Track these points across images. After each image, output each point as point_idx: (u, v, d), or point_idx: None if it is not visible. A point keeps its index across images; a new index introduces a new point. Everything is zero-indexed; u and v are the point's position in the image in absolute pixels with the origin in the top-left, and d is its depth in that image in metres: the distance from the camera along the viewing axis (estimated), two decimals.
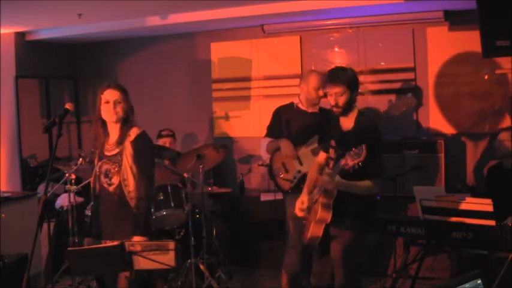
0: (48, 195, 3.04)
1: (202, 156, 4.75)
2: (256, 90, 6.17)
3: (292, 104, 4.52)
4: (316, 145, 4.24)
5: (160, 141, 5.31)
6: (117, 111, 3.24)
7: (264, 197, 5.47)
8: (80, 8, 5.13)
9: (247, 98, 6.23)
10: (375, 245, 4.99)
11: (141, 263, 2.91)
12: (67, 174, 4.90)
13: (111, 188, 3.27)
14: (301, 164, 4.32)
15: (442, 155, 5.04)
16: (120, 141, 3.27)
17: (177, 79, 6.56)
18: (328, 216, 3.24)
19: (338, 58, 5.83)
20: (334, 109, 3.36)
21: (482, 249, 3.59)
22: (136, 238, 3.12)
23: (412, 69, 5.52)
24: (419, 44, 5.48)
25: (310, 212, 3.43)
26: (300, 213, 3.49)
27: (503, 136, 4.35)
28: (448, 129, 5.41)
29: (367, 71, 5.67)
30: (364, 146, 2.95)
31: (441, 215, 3.76)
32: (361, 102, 5.66)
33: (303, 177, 4.21)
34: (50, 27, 6.18)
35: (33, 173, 6.37)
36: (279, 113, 4.55)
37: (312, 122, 4.35)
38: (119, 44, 6.83)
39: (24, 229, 4.55)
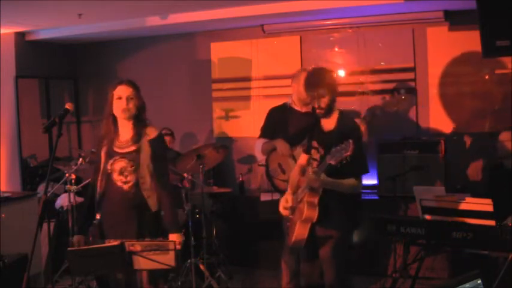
0: (48, 195, 3.04)
1: (202, 156, 4.75)
2: (256, 90, 6.17)
3: (285, 104, 4.50)
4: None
5: None
6: (130, 107, 3.21)
7: (264, 197, 5.47)
8: (80, 8, 5.13)
9: (247, 98, 6.23)
10: (370, 245, 5.00)
11: (141, 263, 2.91)
12: (67, 174, 4.90)
13: (126, 186, 3.20)
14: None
15: (442, 155, 5.04)
16: (137, 139, 3.22)
17: (177, 79, 6.56)
18: (314, 215, 3.25)
19: (338, 58, 5.83)
20: (317, 110, 3.39)
21: (482, 249, 3.59)
22: (173, 236, 3.18)
23: (412, 69, 5.52)
24: (419, 44, 5.49)
25: (294, 212, 3.44)
26: (284, 212, 3.50)
27: (504, 136, 4.34)
28: (448, 129, 5.41)
29: (367, 71, 5.67)
30: (351, 141, 2.98)
31: (441, 215, 3.76)
32: (361, 102, 5.68)
33: None
34: (50, 27, 6.19)
35: (33, 173, 6.38)
36: (272, 114, 4.54)
37: (306, 121, 4.34)
38: (119, 44, 6.83)
39: (24, 229, 4.55)
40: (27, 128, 6.38)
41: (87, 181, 5.13)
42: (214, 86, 6.39)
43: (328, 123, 3.43)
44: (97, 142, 3.36)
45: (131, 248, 2.90)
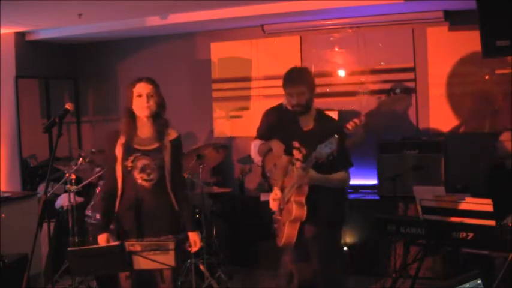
0: (48, 195, 3.03)
1: (202, 156, 4.75)
2: (256, 90, 6.17)
3: (281, 105, 4.49)
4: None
5: None
6: (150, 104, 3.18)
7: (264, 197, 5.45)
8: (80, 8, 5.13)
9: (247, 98, 6.23)
10: (370, 245, 5.00)
11: (141, 263, 2.91)
12: (67, 174, 4.90)
13: (148, 184, 3.17)
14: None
15: (442, 155, 5.04)
16: (160, 138, 3.22)
17: (177, 79, 6.56)
18: (303, 213, 3.24)
19: (338, 58, 5.83)
20: (296, 108, 3.40)
21: (482, 249, 3.59)
22: (192, 234, 3.24)
23: (412, 69, 5.52)
24: (419, 44, 5.49)
25: (282, 213, 3.44)
26: (273, 204, 3.50)
27: (505, 137, 4.33)
28: (448, 129, 5.41)
29: (367, 71, 5.67)
30: (336, 136, 2.99)
31: (441, 215, 3.76)
32: (361, 102, 5.67)
33: None
34: (50, 27, 6.19)
35: (33, 173, 6.38)
36: (268, 115, 4.53)
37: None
38: (119, 44, 6.83)
39: (24, 229, 4.55)
40: (27, 128, 6.37)
41: (87, 181, 5.15)
42: (214, 86, 6.40)
43: (307, 122, 3.45)
44: (108, 140, 3.27)
45: (131, 248, 2.91)
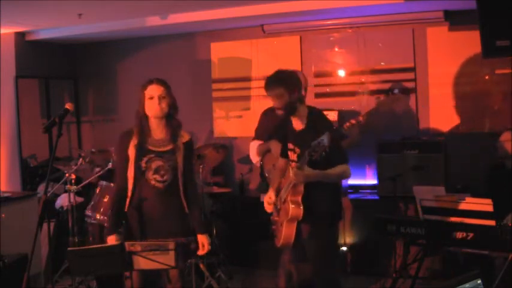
0: (48, 195, 3.03)
1: (202, 156, 4.75)
2: (256, 90, 6.17)
3: None
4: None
5: None
6: (162, 106, 3.19)
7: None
8: (80, 8, 5.13)
9: (247, 98, 6.23)
10: (370, 245, 5.00)
11: (141, 263, 2.91)
12: (67, 174, 4.89)
13: (161, 185, 3.17)
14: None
15: (442, 155, 5.04)
16: (174, 140, 3.22)
17: (177, 79, 6.51)
18: (300, 213, 3.25)
19: (338, 58, 5.83)
20: (278, 111, 3.42)
21: (482, 249, 3.59)
22: (201, 236, 3.27)
23: (412, 69, 5.52)
24: (419, 44, 5.49)
25: (279, 214, 3.45)
26: (268, 208, 3.52)
27: (505, 137, 4.32)
28: (448, 129, 5.41)
29: (367, 71, 5.67)
30: (328, 133, 3.01)
31: (441, 215, 3.76)
32: (361, 102, 5.68)
33: None
34: (50, 27, 6.18)
35: (33, 173, 6.38)
36: (266, 116, 4.53)
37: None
38: (119, 44, 6.83)
39: (24, 229, 4.55)
40: (27, 128, 6.37)
41: (87, 181, 5.14)
42: (214, 86, 6.39)
43: (298, 122, 3.45)
44: (121, 141, 3.28)
45: (131, 248, 2.91)
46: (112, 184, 4.76)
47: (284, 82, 3.36)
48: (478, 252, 3.63)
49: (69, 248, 3.00)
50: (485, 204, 3.56)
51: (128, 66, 6.80)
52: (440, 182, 4.92)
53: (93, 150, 5.22)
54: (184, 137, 3.29)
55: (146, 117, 3.24)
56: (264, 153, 4.44)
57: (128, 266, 2.93)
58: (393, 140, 5.29)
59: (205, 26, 6.11)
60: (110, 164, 4.85)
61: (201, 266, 4.68)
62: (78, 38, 6.60)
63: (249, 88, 6.21)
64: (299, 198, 3.26)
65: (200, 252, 3.32)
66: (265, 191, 4.59)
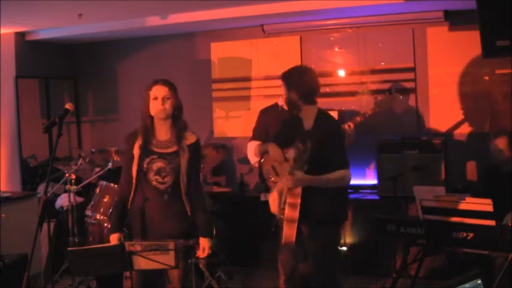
0: (48, 195, 3.03)
1: (202, 156, 4.75)
2: (256, 90, 6.17)
3: (276, 105, 4.48)
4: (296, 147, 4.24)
5: None
6: (166, 107, 3.17)
7: (264, 197, 5.45)
8: (80, 8, 5.13)
9: (247, 98, 6.23)
10: (370, 245, 5.00)
11: (141, 263, 2.91)
12: (67, 174, 4.90)
13: (162, 187, 3.17)
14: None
15: (442, 155, 5.04)
16: (178, 141, 3.20)
17: (177, 79, 6.46)
18: (295, 215, 3.23)
19: (338, 58, 5.83)
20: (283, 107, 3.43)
21: (482, 249, 3.59)
22: (203, 240, 3.22)
23: (412, 69, 5.52)
24: (419, 44, 5.49)
25: (282, 213, 3.43)
26: (273, 209, 3.48)
27: (500, 142, 4.29)
28: (448, 129, 5.41)
29: (367, 71, 5.67)
30: (308, 144, 3.06)
31: (441, 215, 3.76)
32: (361, 102, 5.67)
33: None
34: (50, 27, 6.18)
35: (33, 173, 6.37)
36: (264, 115, 4.52)
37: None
38: (119, 44, 6.83)
39: (24, 229, 4.55)
40: (27, 128, 6.37)
41: (87, 181, 5.15)
42: (214, 86, 6.39)
43: (307, 122, 3.43)
44: (127, 139, 3.28)
45: (131, 248, 2.91)
46: (112, 184, 4.76)
47: (285, 78, 3.38)
48: (478, 252, 3.63)
49: (69, 248, 3.00)
50: (485, 204, 3.56)
51: (128, 66, 6.80)
52: (440, 182, 4.92)
53: (93, 150, 5.22)
54: (190, 139, 3.26)
55: (151, 117, 3.22)
56: (262, 153, 4.43)
57: (128, 266, 2.93)
58: (393, 140, 5.29)
59: (205, 26, 6.11)
60: (110, 164, 4.85)
61: (201, 266, 4.68)
62: (78, 38, 6.60)
63: (249, 88, 6.21)
64: (296, 201, 3.25)
65: (200, 254, 3.30)
66: (264, 191, 4.61)
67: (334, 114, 5.17)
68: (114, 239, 3.21)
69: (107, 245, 3.14)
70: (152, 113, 3.20)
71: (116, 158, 4.88)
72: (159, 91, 3.19)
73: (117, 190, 3.41)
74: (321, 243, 3.35)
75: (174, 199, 3.19)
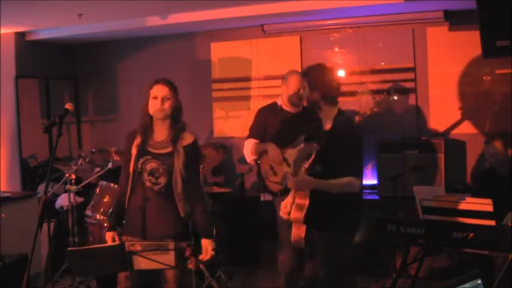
0: (48, 195, 3.03)
1: (202, 156, 4.75)
2: (256, 90, 6.17)
3: (275, 104, 4.48)
4: (302, 146, 4.23)
5: None
6: (165, 107, 3.15)
7: (264, 197, 5.46)
8: (80, 8, 5.13)
9: (247, 98, 6.23)
10: (370, 245, 4.99)
11: (141, 263, 2.91)
12: (67, 174, 4.89)
13: (155, 188, 3.15)
14: (289, 166, 4.26)
15: (442, 155, 5.04)
16: (173, 142, 3.17)
17: (177, 79, 6.46)
18: (301, 217, 3.15)
19: (338, 58, 5.83)
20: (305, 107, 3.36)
21: (482, 249, 3.59)
22: (204, 241, 3.17)
23: (412, 69, 5.52)
24: (419, 44, 5.49)
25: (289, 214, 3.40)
26: (284, 216, 3.36)
27: (495, 145, 4.28)
28: (448, 129, 5.41)
29: (367, 71, 5.67)
30: (315, 145, 3.01)
31: (441, 215, 3.76)
32: (361, 102, 5.67)
33: None
34: (50, 27, 6.19)
35: (33, 173, 6.37)
36: (262, 114, 4.52)
37: (298, 122, 4.33)
38: (119, 44, 6.83)
39: (24, 229, 4.55)
40: (27, 128, 6.37)
41: (87, 181, 5.14)
42: (214, 86, 6.39)
43: (327, 122, 3.34)
44: (127, 138, 3.28)
45: (131, 248, 2.91)
46: (112, 184, 4.76)
47: (308, 77, 3.27)
48: (478, 252, 3.63)
49: (69, 248, 3.00)
50: (485, 204, 3.55)
51: (128, 66, 6.80)
52: (440, 182, 4.92)
53: (93, 150, 5.22)
54: (186, 140, 3.22)
55: (150, 117, 3.21)
56: (260, 153, 4.42)
57: (128, 266, 2.93)
58: (393, 140, 5.30)
59: (205, 26, 6.11)
60: (110, 164, 4.85)
61: (201, 266, 4.67)
62: (78, 38, 6.60)
63: (249, 88, 6.21)
64: (304, 202, 3.17)
65: (203, 257, 3.24)
66: (262, 191, 4.62)
67: None
68: (109, 236, 3.22)
69: (107, 245, 3.14)
70: (151, 112, 3.18)
71: (116, 158, 4.88)
72: (159, 91, 3.17)
73: (115, 189, 3.40)
74: (330, 248, 3.28)
75: (167, 200, 3.17)
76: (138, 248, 2.91)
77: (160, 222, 3.16)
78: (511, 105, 5.04)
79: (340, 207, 3.21)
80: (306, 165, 3.17)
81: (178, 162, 3.15)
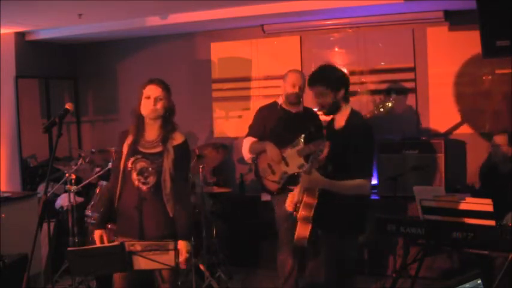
0: (48, 195, 3.03)
1: (202, 156, 4.76)
2: (256, 90, 6.17)
3: (275, 103, 4.49)
4: (301, 146, 4.24)
5: None
6: (157, 108, 3.15)
7: (264, 197, 5.47)
8: (80, 8, 5.13)
9: (247, 98, 6.23)
10: (370, 245, 5.00)
11: (141, 263, 2.91)
12: (67, 174, 4.90)
13: (144, 187, 3.15)
14: (287, 165, 4.28)
15: (442, 155, 5.04)
16: (163, 142, 3.17)
17: (177, 79, 6.53)
18: (309, 215, 3.12)
19: (338, 58, 5.83)
20: (320, 109, 3.28)
21: (482, 249, 3.59)
22: (180, 243, 3.09)
23: (412, 69, 5.52)
24: (419, 44, 5.49)
25: (298, 211, 3.38)
26: (289, 207, 3.34)
27: (500, 140, 4.29)
28: (448, 129, 5.41)
29: (367, 71, 5.67)
30: (327, 143, 2.98)
31: (441, 215, 3.76)
32: (361, 102, 5.67)
33: (289, 179, 4.20)
34: (50, 27, 6.18)
35: (33, 173, 6.37)
36: (262, 113, 4.52)
37: (297, 122, 4.33)
38: (119, 44, 6.83)
39: (24, 229, 4.55)
40: (27, 128, 6.37)
41: (87, 181, 5.15)
42: (214, 86, 6.39)
43: (339, 121, 3.29)
44: (119, 137, 3.29)
45: (131, 248, 2.91)
46: None
47: (327, 80, 3.18)
48: (478, 252, 3.63)
49: (69, 248, 3.00)
50: (485, 204, 3.56)
51: (128, 66, 6.80)
52: (441, 182, 4.92)
53: (93, 150, 5.22)
54: (176, 140, 3.22)
55: (142, 117, 3.21)
56: (258, 152, 4.43)
57: (128, 266, 2.93)
58: (393, 140, 5.30)
59: (205, 26, 6.11)
60: (110, 164, 4.84)
61: (201, 266, 4.68)
62: (78, 38, 6.60)
63: (249, 88, 6.21)
64: (313, 201, 3.13)
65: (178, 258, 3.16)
66: (261, 189, 4.62)
67: None
68: (97, 235, 3.21)
69: (107, 245, 3.13)
70: (143, 112, 3.19)
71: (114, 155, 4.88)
72: (152, 91, 3.17)
73: (107, 186, 3.39)
74: (334, 249, 3.24)
75: (155, 200, 3.16)
76: (138, 248, 2.91)
77: (150, 223, 3.15)
78: (511, 105, 5.05)
79: (349, 209, 3.17)
80: (316, 164, 3.14)
81: (168, 162, 3.16)
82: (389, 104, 3.82)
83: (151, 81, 3.22)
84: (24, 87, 6.41)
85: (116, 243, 2.96)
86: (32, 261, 3.03)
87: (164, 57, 6.59)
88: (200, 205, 4.87)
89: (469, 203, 3.66)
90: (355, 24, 5.70)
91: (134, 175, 3.16)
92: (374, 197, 5.34)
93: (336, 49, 5.84)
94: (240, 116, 6.27)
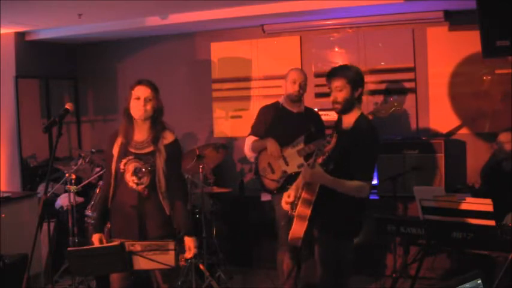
0: (48, 195, 3.04)
1: (202, 156, 4.76)
2: (256, 90, 6.17)
3: (278, 103, 4.49)
4: (302, 146, 4.25)
5: None
6: (147, 108, 3.17)
7: (264, 197, 5.47)
8: (80, 8, 5.13)
9: (247, 98, 6.23)
10: (370, 245, 4.99)
11: (141, 263, 2.92)
12: (67, 174, 4.90)
13: (139, 187, 3.17)
14: (287, 164, 4.29)
15: (442, 155, 5.04)
16: (154, 141, 3.19)
17: (177, 79, 6.56)
18: (307, 212, 3.05)
19: (338, 58, 5.83)
20: (334, 105, 3.21)
21: (482, 249, 3.59)
22: (188, 239, 3.16)
23: (412, 69, 5.52)
24: (419, 44, 5.49)
25: (295, 209, 3.34)
26: (285, 206, 3.30)
27: (503, 137, 4.31)
28: (448, 129, 5.41)
29: (367, 71, 5.67)
30: (335, 135, 2.97)
31: (441, 215, 3.76)
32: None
33: (288, 178, 4.21)
34: (50, 27, 6.18)
35: (33, 173, 6.37)
36: (264, 112, 4.53)
37: (298, 122, 4.33)
38: (118, 44, 6.83)
39: (24, 229, 4.55)
40: (27, 128, 6.37)
41: (87, 181, 5.15)
42: (214, 86, 6.39)
43: (348, 121, 3.25)
44: (109, 139, 3.32)
45: (131, 248, 2.91)
46: None
47: (347, 75, 3.13)
48: (478, 252, 3.63)
49: (69, 248, 3.00)
50: (485, 204, 3.56)
51: (127, 66, 6.80)
52: (441, 182, 4.92)
53: (93, 150, 5.22)
54: (167, 139, 3.24)
55: (131, 117, 3.23)
56: (259, 150, 4.44)
57: (128, 266, 2.93)
58: (393, 140, 5.29)
59: (205, 26, 6.11)
60: None
61: (201, 266, 4.68)
62: (78, 38, 6.60)
63: (249, 88, 6.21)
64: (311, 198, 3.07)
65: (186, 255, 3.23)
66: (260, 188, 4.62)
67: (334, 115, 5.17)
68: (95, 239, 3.23)
69: (107, 245, 3.14)
70: (132, 112, 3.21)
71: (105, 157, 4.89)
72: (141, 91, 3.19)
73: (101, 190, 3.41)
74: (330, 249, 3.22)
75: (151, 200, 3.18)
76: (138, 248, 2.91)
77: (146, 222, 3.17)
78: (511, 105, 5.05)
79: (346, 209, 3.15)
80: (319, 160, 3.13)
81: (161, 161, 3.18)
82: (398, 108, 3.84)
83: (139, 82, 3.24)
84: (24, 87, 6.41)
85: (116, 243, 2.96)
86: (32, 261, 3.04)
87: (164, 57, 6.59)
88: (200, 205, 4.87)
89: (469, 203, 3.66)
90: (355, 24, 5.70)
91: (128, 176, 3.18)
92: (374, 196, 5.34)
93: (336, 49, 5.85)
94: (240, 116, 6.27)
